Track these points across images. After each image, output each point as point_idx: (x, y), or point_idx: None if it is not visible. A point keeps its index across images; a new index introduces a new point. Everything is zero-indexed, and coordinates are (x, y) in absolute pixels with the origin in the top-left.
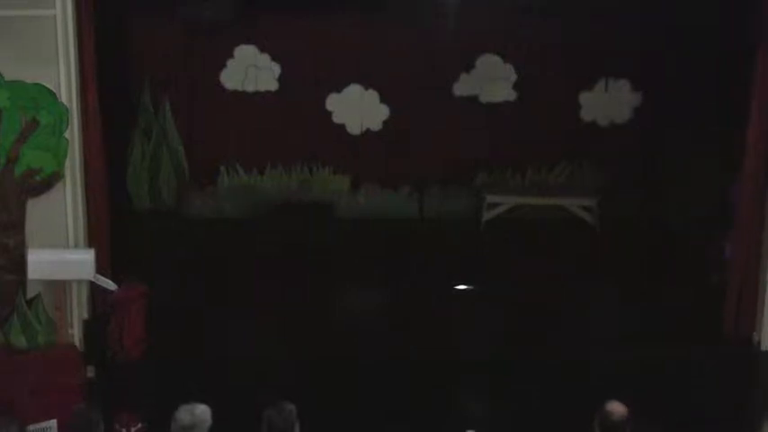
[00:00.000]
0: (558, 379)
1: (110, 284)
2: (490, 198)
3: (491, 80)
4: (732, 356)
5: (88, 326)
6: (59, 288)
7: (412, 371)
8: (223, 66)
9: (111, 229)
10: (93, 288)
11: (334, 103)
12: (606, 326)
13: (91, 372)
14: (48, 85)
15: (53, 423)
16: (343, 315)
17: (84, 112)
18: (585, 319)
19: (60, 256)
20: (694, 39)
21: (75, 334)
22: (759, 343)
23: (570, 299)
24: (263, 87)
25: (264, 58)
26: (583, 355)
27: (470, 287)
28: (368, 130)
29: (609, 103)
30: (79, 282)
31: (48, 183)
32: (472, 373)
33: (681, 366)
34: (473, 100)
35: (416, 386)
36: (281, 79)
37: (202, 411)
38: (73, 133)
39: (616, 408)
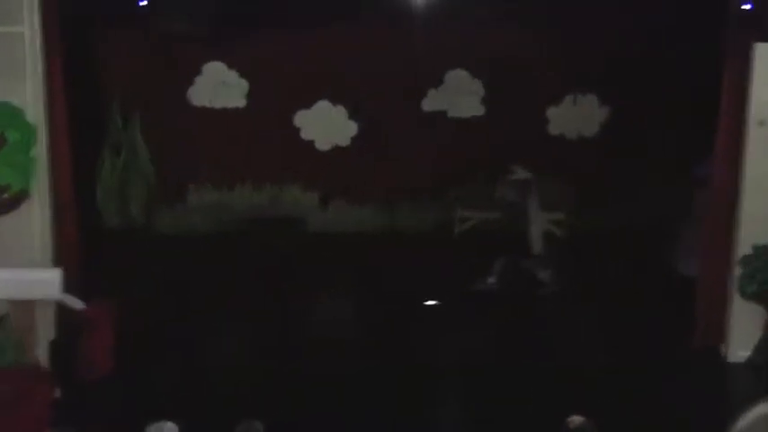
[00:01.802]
0: (527, 390)
1: (77, 303)
2: (461, 212)
3: (460, 95)
4: (700, 368)
5: (55, 346)
6: (26, 308)
7: (383, 385)
8: (192, 83)
9: (81, 246)
10: (61, 307)
11: (302, 119)
12: (575, 337)
13: (58, 392)
14: (15, 103)
15: None
16: (315, 330)
17: (53, 129)
18: (554, 331)
19: (27, 276)
20: (662, 52)
21: (42, 354)
22: (726, 355)
23: (539, 311)
24: (231, 104)
25: (233, 75)
26: (552, 367)
27: (442, 300)
28: (336, 146)
29: (577, 117)
30: (46, 301)
31: (15, 200)
32: (442, 384)
33: (649, 377)
34: (442, 115)
35: (387, 400)
36: (249, 96)
37: (170, 429)
38: (41, 151)
39: (575, 420)
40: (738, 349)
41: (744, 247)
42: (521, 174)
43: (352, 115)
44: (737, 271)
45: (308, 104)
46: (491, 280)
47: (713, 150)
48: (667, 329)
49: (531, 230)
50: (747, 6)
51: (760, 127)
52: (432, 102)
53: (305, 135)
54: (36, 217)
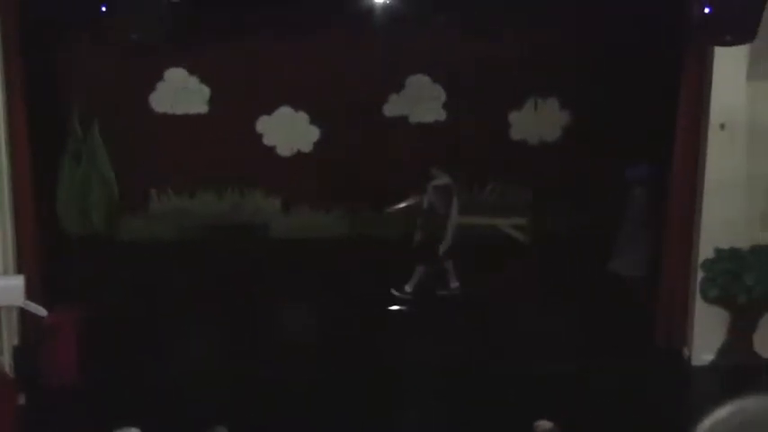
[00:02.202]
0: (493, 395)
1: (40, 310)
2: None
3: (421, 100)
4: (663, 371)
5: (19, 352)
6: None
7: (349, 389)
8: (153, 89)
9: (42, 254)
10: (24, 314)
11: (264, 125)
12: (539, 341)
13: (22, 399)
14: None
15: None
16: (278, 335)
17: (12, 135)
18: (518, 335)
19: None
20: (621, 53)
21: (6, 361)
22: (690, 358)
23: (503, 316)
24: (192, 110)
25: (194, 81)
26: (515, 371)
27: (404, 307)
28: (299, 152)
29: (538, 121)
30: (9, 308)
31: None
32: (409, 388)
33: (612, 380)
34: (403, 120)
35: (354, 404)
36: (210, 102)
37: None
38: (1, 159)
39: (543, 425)
40: (702, 353)
41: (705, 250)
42: (441, 179)
43: (314, 121)
44: (699, 274)
45: (269, 110)
46: (408, 288)
47: (671, 153)
48: (630, 332)
49: (450, 236)
50: (706, 10)
51: (720, 130)
52: (393, 107)
53: (267, 141)
54: None
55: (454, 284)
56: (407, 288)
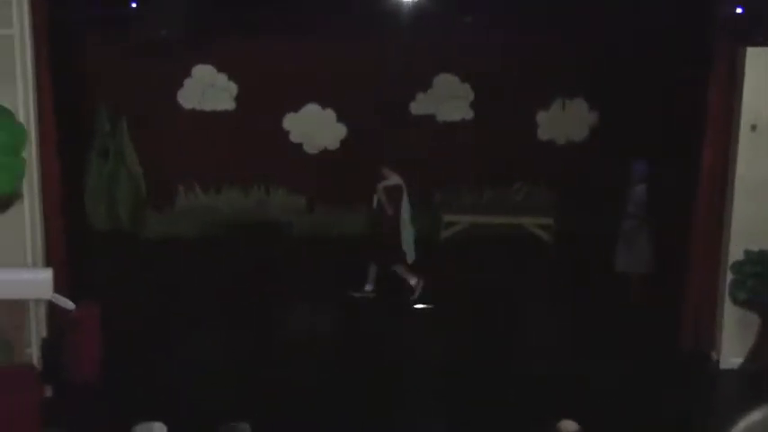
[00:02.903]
0: (516, 395)
1: (68, 304)
2: (447, 217)
3: (448, 99)
4: (691, 374)
5: (46, 345)
6: (17, 307)
7: (370, 387)
8: (180, 85)
9: (69, 248)
10: (51, 307)
11: (291, 122)
12: (564, 343)
13: (49, 391)
14: (5, 105)
15: None
16: (301, 333)
17: (42, 131)
18: (543, 336)
19: (18, 276)
20: (651, 57)
21: (34, 353)
22: (718, 361)
23: (527, 315)
24: (220, 107)
25: (222, 78)
26: (539, 372)
27: (429, 304)
28: (325, 149)
29: (565, 121)
30: (37, 301)
31: (5, 202)
32: (430, 389)
33: (639, 383)
34: (430, 119)
35: (374, 403)
36: (238, 99)
37: (159, 429)
38: (30, 153)
39: (568, 426)
40: (730, 356)
41: (735, 252)
42: (392, 179)
43: (341, 118)
44: (729, 277)
45: (296, 107)
46: (368, 287)
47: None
48: (658, 335)
49: (404, 236)
50: (738, 10)
51: (751, 132)
52: (420, 105)
53: (294, 138)
54: (27, 218)
55: (413, 281)
56: (367, 287)
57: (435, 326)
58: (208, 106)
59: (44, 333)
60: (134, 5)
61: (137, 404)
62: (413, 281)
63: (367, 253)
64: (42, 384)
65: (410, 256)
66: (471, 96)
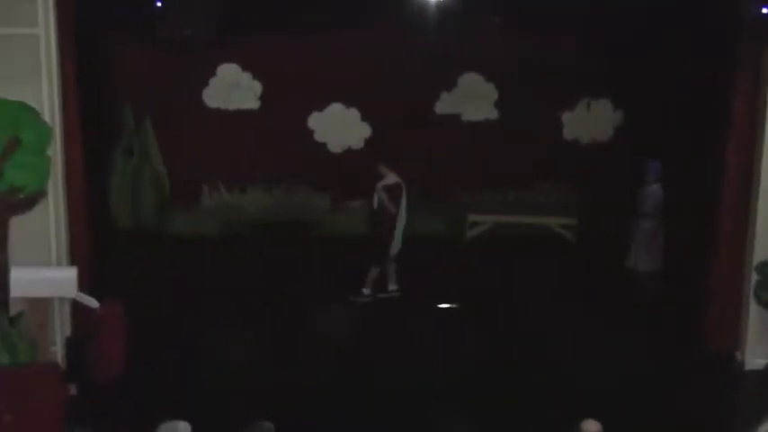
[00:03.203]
0: (538, 394)
1: (92, 302)
2: (472, 216)
3: (473, 99)
4: (715, 375)
5: (70, 343)
6: (42, 306)
7: (394, 389)
8: (206, 84)
9: (93, 246)
10: (76, 306)
11: (315, 121)
12: (588, 343)
13: (73, 389)
14: (31, 104)
15: None
16: (325, 332)
17: (67, 130)
18: (565, 336)
19: (43, 274)
20: (675, 57)
21: (58, 351)
22: (742, 362)
23: (549, 315)
24: (245, 106)
25: (247, 77)
26: (563, 372)
27: (453, 304)
28: (349, 149)
29: (591, 121)
30: (62, 299)
31: (30, 201)
32: (455, 391)
33: (663, 384)
34: (455, 118)
35: (399, 404)
36: (262, 98)
37: (183, 428)
38: (55, 151)
39: (590, 426)
40: (755, 356)
41: (760, 252)
42: (391, 178)
43: (366, 118)
44: (753, 278)
45: (321, 107)
46: (366, 290)
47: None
48: (682, 335)
49: (397, 229)
50: (765, 10)
51: None
52: (444, 105)
53: (318, 137)
54: (51, 217)
55: (392, 287)
56: (365, 291)
57: (460, 325)
58: (232, 105)
59: (68, 332)
60: (159, 4)
61: (161, 403)
62: (392, 287)
63: (367, 255)
64: (66, 383)
65: (396, 247)
66: (495, 96)
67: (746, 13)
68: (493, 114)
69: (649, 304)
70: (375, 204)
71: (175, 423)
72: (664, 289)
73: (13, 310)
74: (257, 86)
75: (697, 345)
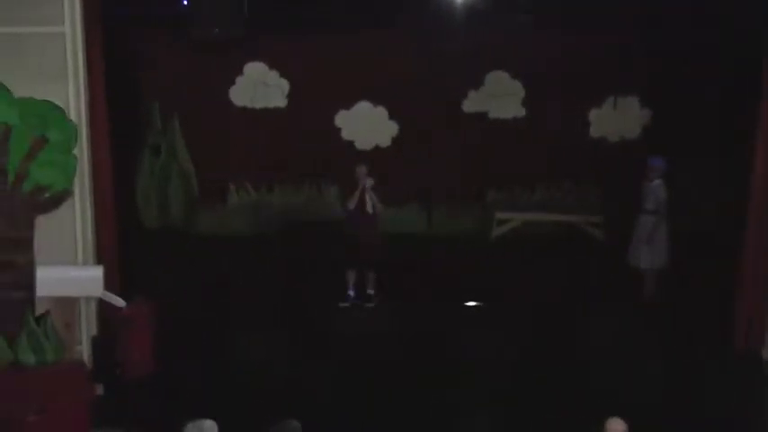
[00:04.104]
0: (564, 393)
1: (119, 301)
2: (499, 214)
3: (500, 97)
4: (742, 372)
5: (97, 343)
6: (68, 305)
7: (421, 388)
8: (232, 83)
9: (120, 245)
10: (102, 305)
11: (343, 119)
12: (615, 341)
13: (100, 389)
14: (57, 103)
15: None
16: (353, 332)
17: (93, 129)
18: (591, 334)
19: (69, 273)
20: (702, 55)
21: (84, 351)
22: None
23: (575, 314)
24: (272, 104)
25: (273, 75)
26: (590, 370)
27: (480, 303)
28: (377, 147)
29: (618, 119)
30: (88, 299)
31: (57, 200)
32: (482, 390)
33: (690, 382)
34: (482, 116)
35: (426, 402)
36: (289, 96)
37: (210, 427)
38: (82, 150)
39: (616, 426)
40: None
41: None
42: (369, 182)
43: (393, 116)
44: None
45: (348, 105)
46: (350, 293)
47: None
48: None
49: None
50: None
51: None
52: (472, 103)
53: (345, 135)
54: (77, 216)
55: (369, 291)
56: (350, 293)
57: (486, 324)
58: (259, 104)
59: (94, 331)
60: (186, 2)
61: (188, 402)
62: (369, 291)
63: (348, 257)
64: (93, 382)
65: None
66: (523, 94)
67: None
68: (520, 112)
69: (683, 302)
70: (351, 205)
71: (201, 422)
72: (680, 287)
73: (40, 310)
74: (284, 84)
75: (724, 343)
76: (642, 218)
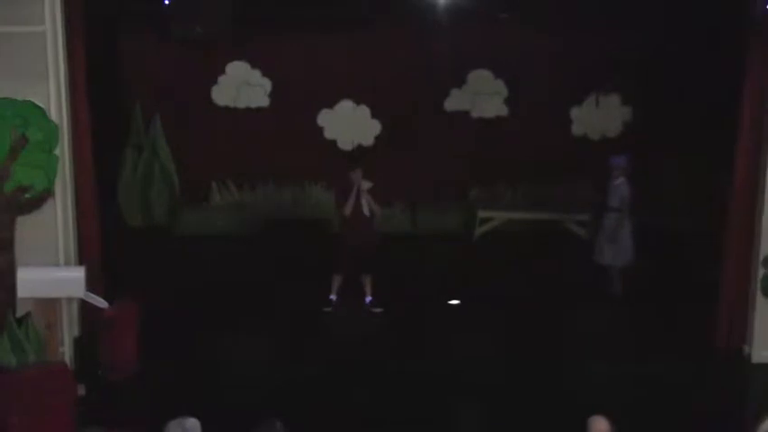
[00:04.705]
0: (547, 392)
1: (101, 302)
2: (482, 213)
3: (482, 95)
4: (723, 369)
5: (79, 344)
6: (50, 306)
7: (406, 385)
8: (215, 82)
9: (102, 245)
10: (84, 306)
11: (325, 118)
12: (597, 339)
13: (82, 390)
14: (37, 102)
15: None
16: (337, 331)
17: (75, 128)
18: (575, 333)
19: (51, 274)
20: (683, 52)
21: (66, 352)
22: (750, 355)
23: (560, 313)
24: (254, 104)
25: (256, 75)
26: (572, 369)
27: (463, 301)
28: (359, 146)
29: (599, 117)
30: (70, 299)
31: (38, 200)
32: (465, 388)
33: (671, 379)
34: (465, 115)
35: (410, 400)
36: (272, 95)
37: (193, 425)
38: (63, 150)
39: (599, 423)
40: (762, 350)
41: (766, 248)
42: (365, 184)
43: (376, 114)
44: (760, 272)
45: (331, 104)
46: (332, 296)
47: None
48: (690, 330)
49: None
50: None
51: None
52: (454, 101)
53: (328, 134)
54: (59, 216)
55: (368, 299)
56: (332, 296)
57: (473, 323)
58: (242, 103)
59: (77, 332)
60: (167, 2)
61: (171, 401)
62: (368, 299)
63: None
64: (76, 383)
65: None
66: (505, 92)
67: (754, 13)
68: (503, 111)
69: (665, 299)
70: (348, 211)
71: (185, 420)
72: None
73: (21, 311)
74: (266, 84)
75: (704, 339)
76: (606, 215)
